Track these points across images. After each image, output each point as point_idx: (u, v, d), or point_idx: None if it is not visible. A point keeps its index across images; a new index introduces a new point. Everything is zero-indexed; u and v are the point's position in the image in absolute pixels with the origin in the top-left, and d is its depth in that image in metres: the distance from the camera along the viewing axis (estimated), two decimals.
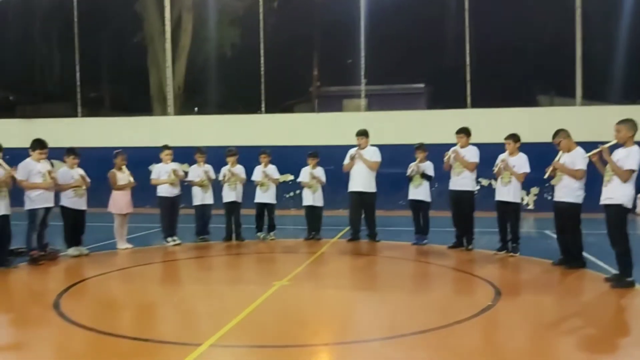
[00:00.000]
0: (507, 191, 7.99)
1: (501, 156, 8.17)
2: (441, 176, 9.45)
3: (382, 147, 9.63)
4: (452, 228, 8.80)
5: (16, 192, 7.48)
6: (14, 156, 8.05)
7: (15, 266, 7.29)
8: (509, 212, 8.02)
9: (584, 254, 7.16)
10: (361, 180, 9.29)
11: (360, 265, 7.86)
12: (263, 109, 15.76)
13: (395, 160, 11.27)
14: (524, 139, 8.27)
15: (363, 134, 9.40)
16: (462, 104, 14.79)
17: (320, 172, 9.75)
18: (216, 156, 10.41)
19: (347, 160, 9.42)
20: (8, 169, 7.12)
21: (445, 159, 8.60)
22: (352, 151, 9.41)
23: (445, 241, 8.92)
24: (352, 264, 7.99)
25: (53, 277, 7.06)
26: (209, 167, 9.62)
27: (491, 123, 13.17)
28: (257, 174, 9.66)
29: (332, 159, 11.34)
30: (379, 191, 9.48)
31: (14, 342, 4.53)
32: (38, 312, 5.33)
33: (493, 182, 11.77)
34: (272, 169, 9.73)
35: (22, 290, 6.56)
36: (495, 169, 8.13)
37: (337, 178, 10.44)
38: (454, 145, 8.67)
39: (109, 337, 4.44)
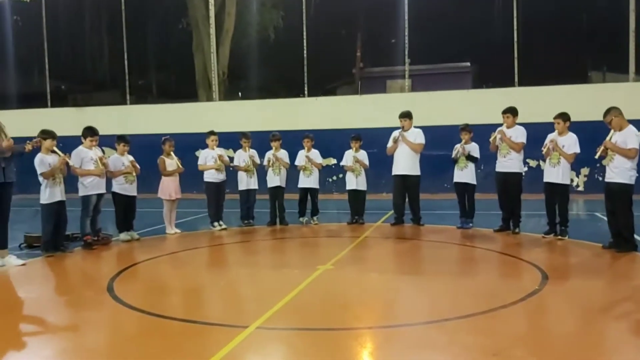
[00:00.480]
0: (556, 172, 7.81)
1: (550, 136, 7.97)
2: (487, 158, 9.32)
3: (426, 129, 9.55)
4: (499, 211, 8.67)
5: (70, 179, 7.77)
6: (67, 144, 8.36)
7: (70, 251, 7.62)
8: (558, 194, 7.84)
9: (636, 236, 6.95)
10: (405, 163, 9.24)
11: (404, 249, 7.85)
12: (306, 92, 15.80)
13: (439, 142, 11.17)
14: (574, 117, 8.03)
15: (406, 115, 9.32)
16: (509, 83, 14.45)
17: (363, 155, 9.74)
18: (260, 141, 10.55)
19: (390, 143, 9.38)
20: (62, 156, 7.39)
21: (492, 139, 8.45)
22: (395, 133, 9.35)
23: (491, 224, 8.80)
24: (395, 248, 7.99)
25: (106, 261, 7.33)
26: (253, 152, 9.76)
27: (539, 101, 12.85)
28: (300, 159, 9.73)
29: (375, 141, 11.32)
30: (423, 174, 9.43)
31: (71, 324, 4.75)
32: (93, 295, 5.55)
33: (541, 163, 11.53)
34: (315, 154, 9.78)
35: (77, 274, 6.84)
36: (544, 150, 7.94)
37: (380, 161, 10.42)
38: (501, 125, 8.51)
39: (159, 319, 4.61)
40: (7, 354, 3.96)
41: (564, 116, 7.87)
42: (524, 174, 8.60)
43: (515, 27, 14.56)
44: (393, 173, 9.40)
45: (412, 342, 4.03)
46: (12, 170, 6.63)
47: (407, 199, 9.44)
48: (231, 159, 9.65)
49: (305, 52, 15.79)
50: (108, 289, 5.58)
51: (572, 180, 7.80)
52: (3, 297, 5.67)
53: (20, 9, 18.02)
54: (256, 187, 9.73)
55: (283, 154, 9.77)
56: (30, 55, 18.44)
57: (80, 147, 7.88)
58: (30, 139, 7.07)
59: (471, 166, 8.97)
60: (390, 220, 9.64)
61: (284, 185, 9.75)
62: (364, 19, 17.74)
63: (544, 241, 7.82)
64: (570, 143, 7.76)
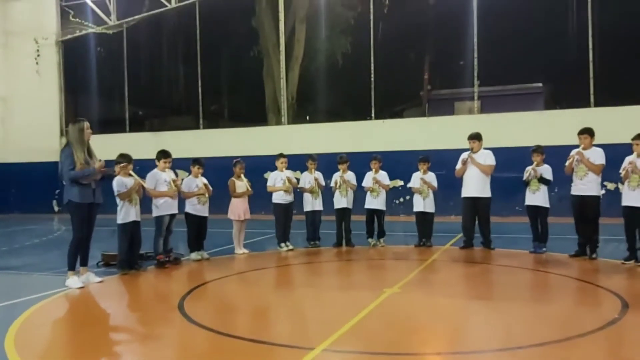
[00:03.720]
0: (637, 195, 7.40)
1: (628, 158, 7.58)
2: (561, 180, 8.94)
3: (496, 150, 9.30)
4: (573, 235, 8.29)
5: (145, 201, 8.04)
6: (144, 167, 8.69)
7: (144, 269, 7.86)
8: (639, 218, 7.40)
9: None
10: (474, 185, 9.02)
11: (474, 274, 7.61)
12: (373, 115, 15.80)
13: (511, 164, 10.85)
14: None
15: (475, 137, 9.13)
16: (584, 103, 13.89)
17: (431, 177, 9.59)
18: (328, 163, 10.60)
19: (459, 165, 9.19)
20: (138, 180, 7.68)
21: (569, 162, 8.11)
22: (464, 155, 9.16)
23: (566, 250, 8.42)
24: (465, 272, 7.77)
25: (177, 280, 7.50)
26: (319, 175, 9.80)
27: (616, 122, 12.30)
28: (368, 180, 9.68)
29: (443, 163, 11.16)
30: (494, 196, 9.15)
31: (143, 339, 4.88)
32: (164, 312, 5.69)
33: (619, 185, 10.95)
34: (382, 175, 9.71)
35: (150, 292, 7.04)
36: (623, 172, 7.55)
37: (448, 183, 10.23)
38: (575, 147, 8.16)
39: (227, 338, 4.66)
40: None
41: None
42: (601, 197, 8.19)
43: (590, 46, 14.04)
44: (462, 195, 9.19)
45: None
46: (100, 192, 6.95)
47: (476, 222, 9.19)
48: (297, 180, 9.73)
49: (372, 75, 15.85)
50: (179, 306, 5.69)
51: None
52: (82, 313, 5.91)
53: (104, 40, 19.11)
54: (321, 208, 9.74)
55: (350, 176, 9.76)
56: (112, 83, 19.48)
57: (155, 170, 8.16)
58: (111, 162, 7.41)
59: (544, 189, 8.63)
60: (459, 243, 9.40)
61: (350, 206, 9.73)
62: (432, 40, 17.63)
63: (623, 268, 7.39)
64: None
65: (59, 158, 6.83)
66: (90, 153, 6.83)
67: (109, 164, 7.24)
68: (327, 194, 9.92)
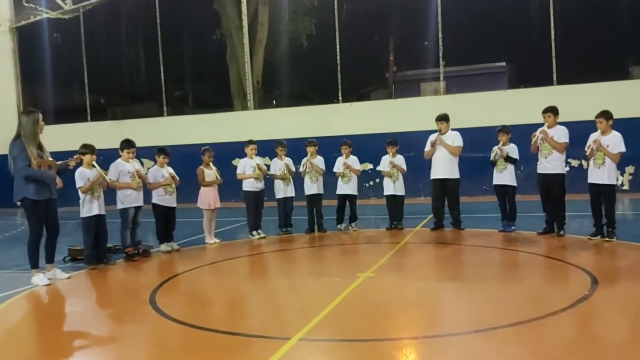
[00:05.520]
0: (602, 173, 7.54)
1: (593, 136, 7.71)
2: (527, 159, 9.11)
3: (463, 131, 9.39)
4: (541, 213, 8.43)
5: (110, 192, 7.85)
6: (107, 157, 8.50)
7: (113, 263, 7.71)
8: (604, 195, 7.57)
9: None
10: (443, 166, 9.09)
11: (446, 255, 7.69)
12: (340, 98, 15.75)
13: (477, 144, 10.99)
14: (617, 114, 7.73)
15: (443, 118, 9.17)
16: (547, 81, 14.10)
17: (400, 160, 9.62)
18: (296, 148, 10.53)
19: (427, 147, 9.24)
20: (101, 172, 7.43)
21: (533, 140, 8.21)
22: (432, 137, 9.21)
23: (534, 227, 8.57)
24: (436, 253, 7.85)
25: (147, 273, 7.39)
26: (289, 161, 9.73)
27: (580, 100, 12.52)
28: (339, 166, 9.67)
29: (412, 145, 11.21)
30: (462, 177, 9.26)
31: (113, 336, 4.76)
32: (135, 307, 5.59)
33: (583, 162, 11.19)
34: (353, 160, 9.71)
35: (119, 286, 6.90)
36: (588, 150, 7.68)
37: (417, 165, 10.29)
38: (540, 125, 8.27)
39: (201, 331, 4.58)
40: None
41: (606, 114, 7.59)
42: (566, 174, 8.34)
43: (552, 24, 14.22)
44: (432, 177, 9.26)
45: (460, 352, 3.89)
46: (55, 187, 6.74)
47: (446, 203, 9.27)
48: (267, 167, 9.65)
49: (338, 57, 15.76)
50: (150, 301, 5.60)
51: (617, 179, 7.58)
52: (50, 311, 5.75)
53: (60, 26, 18.50)
54: (293, 194, 9.70)
55: (319, 160, 9.74)
56: (71, 70, 18.93)
57: (118, 161, 7.95)
58: (72, 153, 7.19)
59: (510, 168, 8.75)
60: (430, 224, 9.48)
61: (321, 192, 9.71)
62: (396, 22, 17.63)
63: (590, 243, 7.55)
64: (614, 142, 7.48)
65: (8, 151, 6.48)
66: (41, 146, 6.58)
67: (69, 155, 7.04)
68: (299, 180, 9.86)
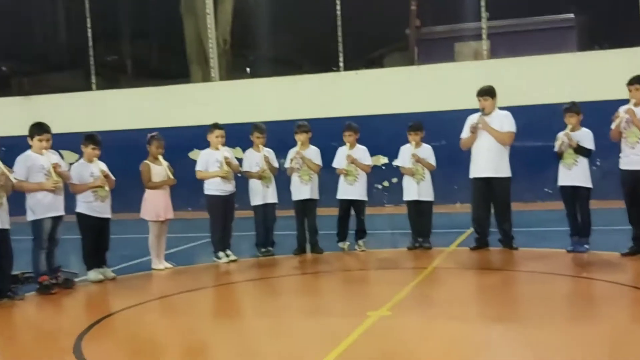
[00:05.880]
0: None
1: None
2: (606, 149, 9.10)
3: (514, 111, 9.41)
4: (626, 225, 8.45)
5: (15, 197, 7.78)
6: (12, 147, 8.45)
7: (21, 297, 7.62)
8: None
9: None
10: (488, 160, 9.09)
11: (491, 285, 7.69)
12: (341, 64, 15.74)
13: (536, 130, 10.99)
14: None
15: (487, 92, 9.17)
16: (635, 40, 14.10)
17: (426, 151, 9.63)
18: (279, 135, 10.51)
19: (466, 133, 9.25)
20: (2, 169, 7.34)
21: (615, 123, 8.24)
22: (472, 119, 9.21)
23: (618, 246, 8.59)
24: (478, 283, 7.89)
25: (70, 311, 7.39)
26: (269, 152, 9.72)
27: None
28: (341, 159, 9.67)
29: (443, 131, 11.19)
30: (514, 175, 9.27)
31: None
32: (54, 359, 5.55)
33: None
34: (361, 151, 9.72)
35: (31, 331, 6.83)
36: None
37: (451, 159, 10.32)
38: (623, 102, 8.30)
39: None
40: None
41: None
42: None
43: None
44: (471, 175, 9.27)
45: None
46: None
47: (492, 211, 9.29)
48: (240, 161, 9.62)
49: (338, 7, 15.72)
50: (74, 350, 5.56)
51: None
52: None
53: None
54: (275, 200, 9.71)
55: (313, 152, 9.73)
56: None
57: (27, 153, 7.88)
58: None
59: (583, 162, 8.77)
60: (470, 242, 9.50)
61: (316, 197, 9.71)
62: None
63: None
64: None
65: None
66: None
67: None
68: (284, 179, 9.86)
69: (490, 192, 9.16)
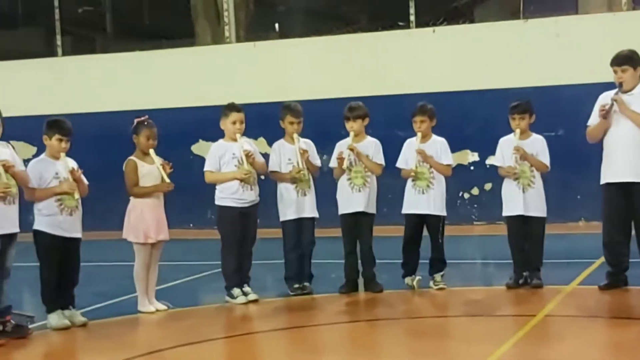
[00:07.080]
0: None
1: None
2: None
3: None
4: None
5: None
6: None
7: None
8: None
9: None
10: (628, 158, 8.98)
11: (630, 342, 7.54)
12: (412, 18, 15.72)
13: None
14: None
15: (627, 60, 9.07)
16: None
17: (536, 144, 9.60)
18: (320, 120, 10.49)
19: (594, 119, 9.17)
20: None
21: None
22: (605, 98, 9.10)
23: None
24: (611, 338, 7.81)
25: None
26: (308, 143, 9.77)
27: None
28: (408, 156, 9.71)
29: (560, 115, 11.08)
30: None
31: None
32: None
33: None
34: (438, 144, 9.78)
35: None
36: None
37: (573, 155, 10.23)
38: None
39: None
40: None
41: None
42: None
43: None
44: (603, 181, 9.19)
45: None
46: None
47: (633, 233, 9.17)
48: (265, 157, 9.62)
49: None
50: None
51: None
52: None
53: None
54: (314, 214, 9.75)
55: (371, 146, 9.75)
56: None
57: None
58: None
59: None
60: (599, 278, 9.38)
61: (372, 210, 9.74)
62: None
63: None
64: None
65: None
66: None
67: None
68: (324, 183, 9.84)
69: (631, 205, 9.05)
